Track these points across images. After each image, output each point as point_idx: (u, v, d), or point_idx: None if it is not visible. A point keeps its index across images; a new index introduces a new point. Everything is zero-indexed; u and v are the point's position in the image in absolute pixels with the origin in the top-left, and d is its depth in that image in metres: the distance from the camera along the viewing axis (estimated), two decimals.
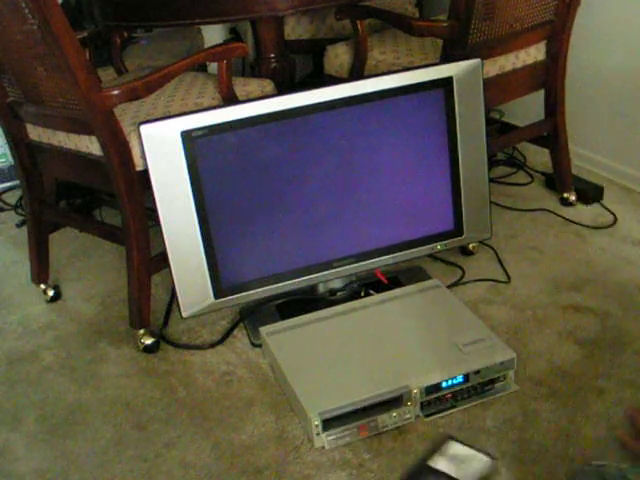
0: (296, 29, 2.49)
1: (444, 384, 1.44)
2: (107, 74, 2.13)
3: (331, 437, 1.39)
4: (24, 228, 2.19)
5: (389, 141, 1.70)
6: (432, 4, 2.70)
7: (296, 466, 1.37)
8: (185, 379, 1.64)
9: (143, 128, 1.49)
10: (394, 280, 1.85)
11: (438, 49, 1.85)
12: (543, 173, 2.43)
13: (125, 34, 2.21)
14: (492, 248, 2.03)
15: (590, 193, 2.24)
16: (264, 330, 1.64)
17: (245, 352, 1.71)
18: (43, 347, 1.81)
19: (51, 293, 2.00)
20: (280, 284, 1.71)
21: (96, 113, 1.48)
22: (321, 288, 1.82)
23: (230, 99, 1.74)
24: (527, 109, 2.30)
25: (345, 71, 2.08)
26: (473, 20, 1.73)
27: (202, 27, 2.63)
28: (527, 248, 2.04)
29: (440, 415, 1.44)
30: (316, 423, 1.36)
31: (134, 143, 1.56)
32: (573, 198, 2.24)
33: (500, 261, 1.97)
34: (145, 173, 1.54)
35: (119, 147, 1.53)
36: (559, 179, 2.25)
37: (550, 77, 2.07)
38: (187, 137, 1.52)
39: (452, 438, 1.15)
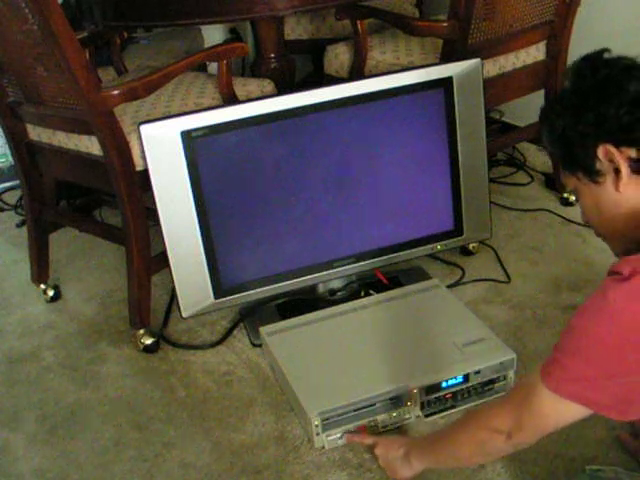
0: (296, 29, 2.49)
1: (444, 384, 1.43)
2: (107, 74, 2.13)
3: (331, 437, 1.39)
4: (24, 228, 2.19)
5: (389, 141, 1.70)
6: (432, 4, 2.69)
7: (296, 466, 1.37)
8: (185, 379, 1.64)
9: (143, 128, 1.49)
10: (394, 280, 1.85)
11: (438, 49, 1.85)
12: (543, 173, 2.43)
13: (125, 34, 2.21)
14: (492, 248, 2.03)
15: None
16: (264, 330, 1.64)
17: (245, 352, 1.71)
18: (43, 347, 1.81)
19: (51, 293, 2.00)
20: (280, 284, 1.70)
21: (96, 113, 1.48)
22: (321, 288, 1.81)
23: (230, 99, 1.74)
24: (527, 109, 2.28)
25: (345, 71, 2.08)
26: (473, 20, 1.73)
27: (202, 27, 2.63)
28: (527, 248, 2.04)
29: (440, 415, 1.44)
30: (316, 423, 1.36)
31: (134, 143, 1.56)
32: (573, 198, 2.24)
33: (500, 261, 1.97)
34: (145, 173, 1.54)
35: (119, 147, 1.53)
36: (559, 179, 2.25)
37: (550, 77, 2.07)
38: (187, 137, 1.52)
39: None
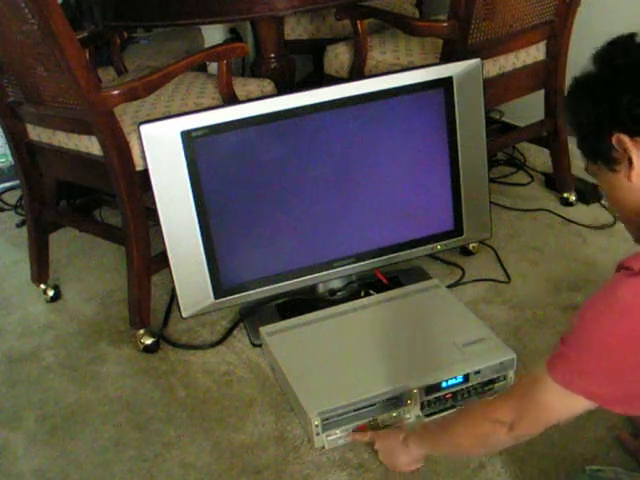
0: (296, 29, 2.49)
1: (444, 384, 1.43)
2: (107, 74, 2.13)
3: (331, 437, 1.39)
4: (24, 228, 2.19)
5: (389, 141, 1.70)
6: (432, 4, 2.69)
7: (296, 466, 1.37)
8: (185, 379, 1.64)
9: (143, 128, 1.49)
10: (394, 280, 1.85)
11: (438, 49, 1.85)
12: (543, 173, 2.43)
13: (125, 34, 2.21)
14: (492, 248, 2.03)
15: (590, 193, 2.24)
16: (264, 330, 1.64)
17: (245, 352, 1.71)
18: (43, 347, 1.81)
19: (51, 293, 2.00)
20: (280, 284, 1.70)
21: (96, 113, 1.48)
22: (321, 288, 1.81)
23: (230, 99, 1.74)
24: (527, 109, 2.29)
25: (345, 71, 2.08)
26: (473, 20, 1.73)
27: (202, 27, 2.63)
28: (527, 248, 2.04)
29: (440, 415, 1.44)
30: (316, 423, 1.36)
31: (134, 143, 1.56)
32: (573, 198, 2.24)
33: (500, 261, 1.97)
34: (145, 173, 1.54)
35: (119, 147, 1.53)
36: (559, 179, 2.25)
37: (550, 77, 2.07)
38: (187, 137, 1.52)
39: None
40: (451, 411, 1.44)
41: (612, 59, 0.94)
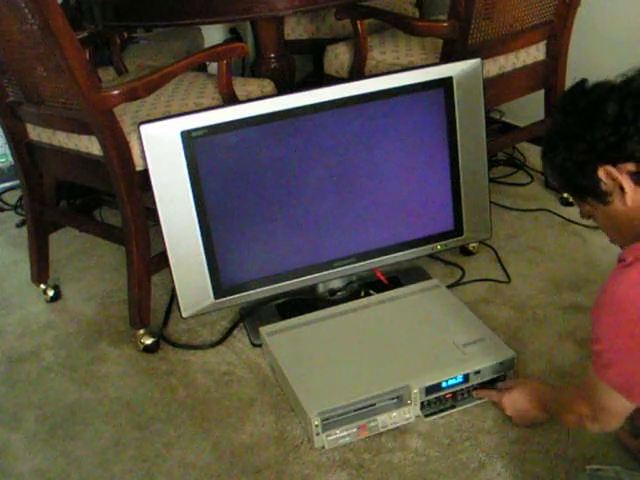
0: (296, 29, 2.49)
1: (444, 384, 1.43)
2: (107, 74, 2.13)
3: (331, 437, 1.39)
4: (24, 228, 2.19)
5: (389, 141, 1.70)
6: (432, 4, 2.70)
7: (296, 466, 1.37)
8: (185, 379, 1.64)
9: (143, 128, 1.49)
10: (394, 280, 1.85)
11: (438, 49, 1.85)
12: (543, 173, 2.43)
13: (125, 34, 2.21)
14: (492, 248, 2.03)
15: None
16: (264, 330, 1.64)
17: (245, 352, 1.71)
18: (43, 347, 1.81)
19: (51, 293, 2.00)
20: (280, 284, 1.70)
21: (96, 113, 1.48)
22: (321, 288, 1.81)
23: (230, 99, 1.74)
24: (527, 109, 2.30)
25: (345, 71, 2.08)
26: (473, 20, 1.73)
27: (202, 27, 2.63)
28: (527, 248, 2.04)
29: (440, 415, 1.44)
30: (316, 423, 1.36)
31: (134, 143, 1.56)
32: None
33: (500, 261, 1.97)
34: (145, 173, 1.54)
35: (119, 147, 1.53)
36: None
37: (550, 77, 2.07)
38: (187, 137, 1.52)
39: None
40: (452, 411, 1.44)
41: (574, 103, 1.03)
